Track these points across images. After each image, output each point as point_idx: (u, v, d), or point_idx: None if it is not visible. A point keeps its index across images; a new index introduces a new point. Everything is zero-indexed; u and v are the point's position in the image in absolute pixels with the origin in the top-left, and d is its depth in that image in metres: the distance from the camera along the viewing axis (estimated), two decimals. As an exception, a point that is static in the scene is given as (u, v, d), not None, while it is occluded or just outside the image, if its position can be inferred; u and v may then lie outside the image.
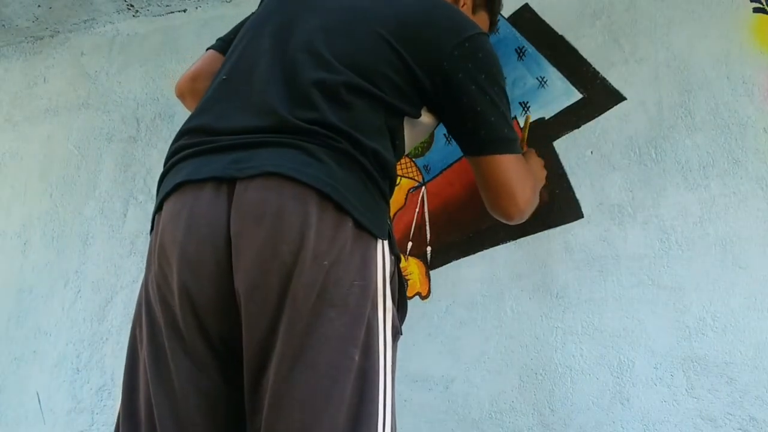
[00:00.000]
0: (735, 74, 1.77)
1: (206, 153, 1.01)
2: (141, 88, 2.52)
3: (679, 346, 1.66)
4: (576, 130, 1.89)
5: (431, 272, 1.96)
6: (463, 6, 1.37)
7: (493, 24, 1.52)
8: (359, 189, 0.98)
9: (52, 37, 2.76)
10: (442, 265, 1.95)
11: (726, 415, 1.59)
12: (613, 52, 1.90)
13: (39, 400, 2.29)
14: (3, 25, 2.68)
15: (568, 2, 1.99)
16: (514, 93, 1.98)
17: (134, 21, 2.64)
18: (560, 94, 1.93)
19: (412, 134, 1.16)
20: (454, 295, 1.91)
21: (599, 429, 1.68)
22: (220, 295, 0.95)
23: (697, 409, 1.62)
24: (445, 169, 2.02)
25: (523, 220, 1.24)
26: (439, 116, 1.18)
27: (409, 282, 1.98)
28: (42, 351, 2.34)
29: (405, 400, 1.88)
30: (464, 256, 1.93)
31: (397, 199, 2.06)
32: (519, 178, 1.16)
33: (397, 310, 1.04)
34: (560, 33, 1.97)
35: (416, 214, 2.02)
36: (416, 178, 2.06)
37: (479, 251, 1.91)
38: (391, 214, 2.06)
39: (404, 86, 1.08)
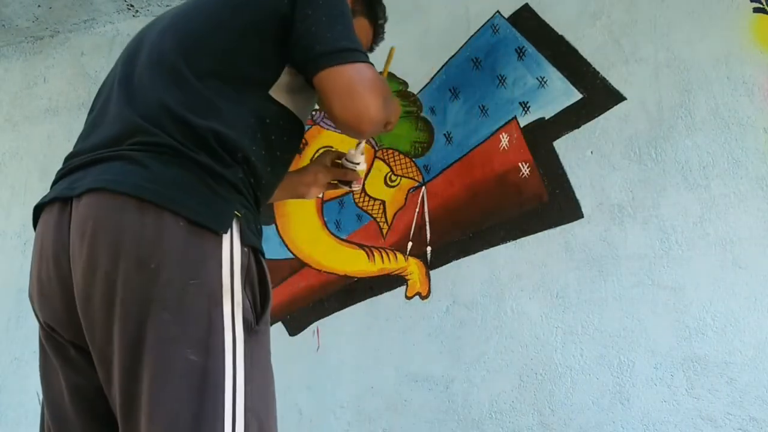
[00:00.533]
0: (735, 74, 1.77)
1: (61, 177, 1.07)
2: (141, 88, 2.52)
3: (679, 346, 1.66)
4: (576, 130, 1.89)
5: (431, 272, 1.96)
6: None
7: (376, 34, 1.42)
8: (192, 186, 0.97)
9: (52, 37, 2.76)
10: (442, 265, 1.95)
11: (726, 415, 1.59)
12: (613, 52, 1.90)
13: (39, 400, 2.29)
14: (3, 25, 2.68)
15: (568, 2, 1.99)
16: (514, 93, 1.98)
17: (134, 21, 2.64)
18: (560, 94, 1.93)
19: (290, 99, 1.12)
20: (454, 295, 1.91)
21: (599, 429, 1.68)
22: (68, 311, 0.98)
23: (697, 409, 1.62)
24: (445, 169, 2.02)
25: (375, 133, 1.14)
26: (289, 57, 1.12)
27: (409, 282, 1.98)
28: (42, 351, 2.34)
29: (405, 400, 1.88)
30: (464, 256, 1.93)
31: (397, 199, 2.06)
32: (363, 84, 1.05)
33: (261, 303, 1.01)
34: (560, 33, 1.97)
35: (416, 214, 2.02)
36: (416, 178, 2.06)
37: (479, 251, 1.91)
38: (391, 214, 2.07)
39: (260, 48, 1.07)
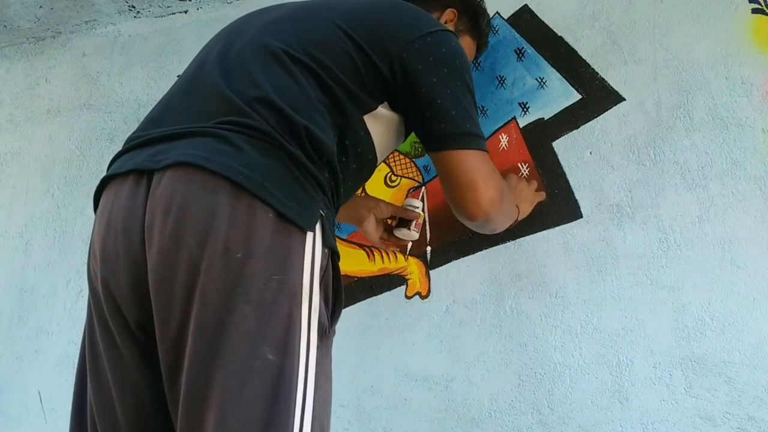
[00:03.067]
0: (733, 75, 1.78)
1: (137, 147, 1.01)
2: (142, 89, 2.53)
3: (678, 345, 1.67)
4: (575, 131, 1.90)
5: (431, 272, 1.96)
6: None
7: (481, 47, 1.43)
8: (283, 178, 0.93)
9: (53, 38, 2.77)
10: (442, 265, 1.96)
11: (725, 415, 1.60)
12: (612, 53, 1.91)
13: (41, 399, 2.30)
14: (5, 26, 2.69)
15: (567, 3, 1.99)
16: (513, 93, 1.99)
17: (135, 22, 2.65)
18: (559, 94, 1.93)
19: (379, 133, 1.11)
20: (454, 295, 1.91)
21: (598, 428, 1.69)
22: (137, 288, 0.93)
23: (696, 408, 1.62)
24: (444, 169, 2.03)
25: (490, 226, 1.15)
26: (400, 110, 1.12)
27: (409, 282, 1.99)
28: (44, 350, 2.35)
29: (405, 400, 1.89)
30: (464, 256, 1.94)
31: (397, 199, 2.07)
32: (481, 174, 1.08)
33: (332, 308, 0.98)
34: (559, 34, 1.98)
35: (416, 214, 2.02)
36: (416, 178, 2.07)
37: (479, 251, 1.92)
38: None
39: (362, 72, 1.05)
